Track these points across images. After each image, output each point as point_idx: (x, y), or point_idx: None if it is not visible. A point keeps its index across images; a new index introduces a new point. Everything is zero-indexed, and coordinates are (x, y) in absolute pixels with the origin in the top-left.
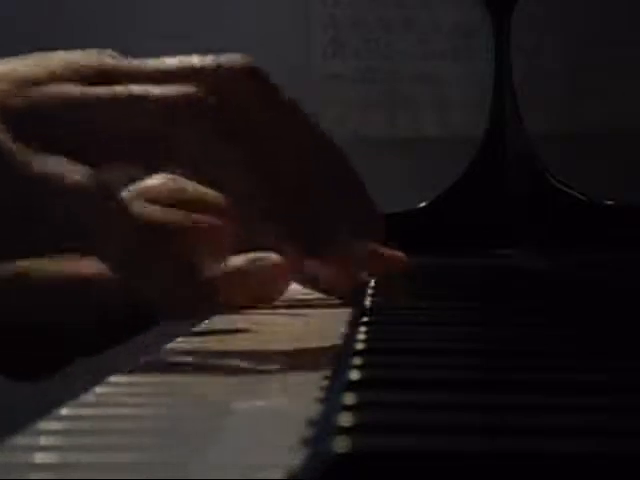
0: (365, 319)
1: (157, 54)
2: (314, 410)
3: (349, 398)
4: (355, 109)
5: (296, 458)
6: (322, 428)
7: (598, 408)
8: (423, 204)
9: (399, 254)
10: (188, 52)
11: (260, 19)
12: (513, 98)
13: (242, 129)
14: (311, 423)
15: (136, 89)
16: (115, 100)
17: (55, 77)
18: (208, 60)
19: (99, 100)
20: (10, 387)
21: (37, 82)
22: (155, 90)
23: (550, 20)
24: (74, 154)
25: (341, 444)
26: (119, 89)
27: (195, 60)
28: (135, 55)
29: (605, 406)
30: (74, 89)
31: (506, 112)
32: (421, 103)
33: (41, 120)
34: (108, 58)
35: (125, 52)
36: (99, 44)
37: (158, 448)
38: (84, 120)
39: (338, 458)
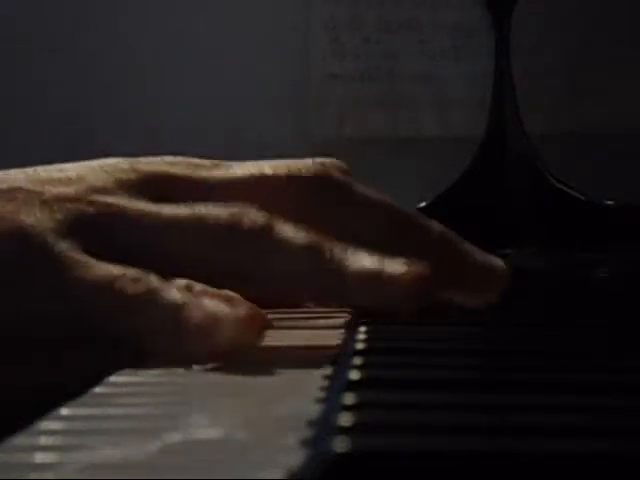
0: (365, 319)
1: (157, 52)
2: (314, 410)
3: (349, 398)
4: (355, 109)
5: (296, 458)
6: (322, 428)
7: (598, 408)
8: (423, 204)
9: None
10: (188, 51)
11: (260, 19)
12: (513, 98)
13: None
14: (311, 423)
15: (198, 211)
16: (178, 223)
17: (122, 185)
18: (280, 171)
19: (163, 222)
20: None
21: (104, 191)
22: (219, 212)
23: (550, 20)
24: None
25: (341, 444)
26: (183, 212)
27: (267, 170)
28: (136, 52)
29: (605, 406)
30: (138, 205)
31: (506, 112)
32: (421, 103)
33: (102, 233)
34: (175, 168)
35: (125, 49)
36: (99, 42)
37: (157, 449)
38: (145, 243)
39: (338, 458)
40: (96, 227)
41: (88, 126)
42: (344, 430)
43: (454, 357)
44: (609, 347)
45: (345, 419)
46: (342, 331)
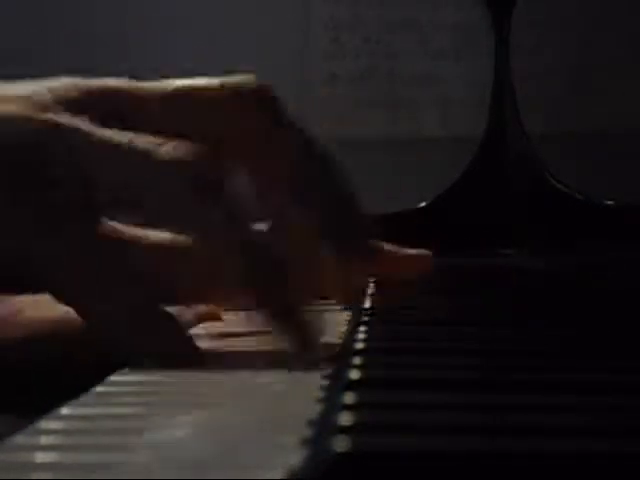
0: (365, 319)
1: (157, 53)
2: (314, 410)
3: (349, 398)
4: (355, 109)
5: (296, 458)
6: (322, 428)
7: (598, 408)
8: (423, 204)
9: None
10: (188, 51)
11: (260, 19)
12: (513, 98)
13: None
14: (311, 423)
15: (118, 138)
16: (101, 144)
17: (64, 102)
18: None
19: (89, 142)
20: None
21: (45, 109)
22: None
23: (550, 20)
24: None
25: (341, 444)
26: (123, 141)
27: (201, 82)
28: (136, 52)
29: (605, 406)
30: (75, 123)
31: (506, 112)
32: (421, 103)
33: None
34: (116, 82)
35: (125, 47)
36: (99, 44)
37: (157, 448)
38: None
39: (338, 458)
40: (36, 143)
41: None
42: (344, 430)
43: (454, 357)
44: (609, 347)
45: (345, 419)
46: (342, 331)
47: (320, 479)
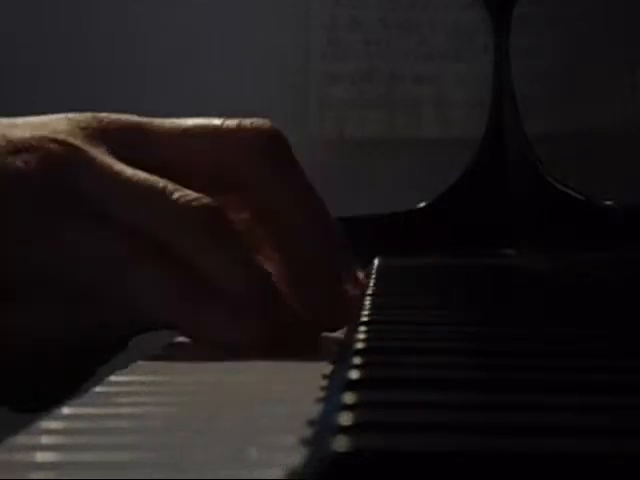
0: (365, 319)
1: (157, 53)
2: (314, 410)
3: (349, 398)
4: (355, 109)
5: (296, 458)
6: (322, 428)
7: (598, 408)
8: (423, 204)
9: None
10: (188, 51)
11: (260, 19)
12: (512, 98)
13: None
14: (311, 423)
15: (161, 186)
16: (125, 179)
17: (84, 132)
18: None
19: (111, 174)
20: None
21: (66, 134)
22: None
23: (550, 20)
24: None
25: (341, 444)
26: (129, 172)
27: (216, 122)
28: (136, 53)
29: (605, 406)
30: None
31: (506, 112)
32: (421, 103)
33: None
34: (133, 117)
35: (127, 50)
36: (96, 53)
37: (158, 448)
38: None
39: (338, 457)
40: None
41: None
42: (344, 430)
43: (454, 357)
44: (609, 347)
45: (345, 419)
46: (342, 331)
47: (320, 479)
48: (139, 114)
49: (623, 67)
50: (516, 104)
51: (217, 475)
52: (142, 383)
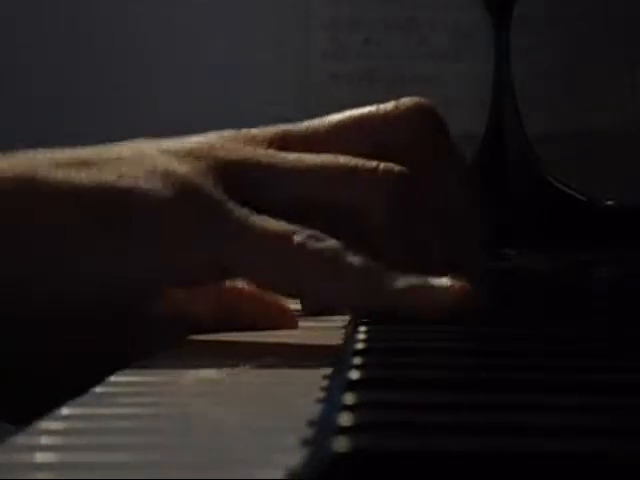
0: (365, 319)
1: (157, 53)
2: (314, 410)
3: (349, 398)
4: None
5: (296, 458)
6: (322, 428)
7: (598, 408)
8: None
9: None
10: (188, 52)
11: (260, 19)
12: (513, 98)
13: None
14: (311, 423)
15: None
16: (304, 167)
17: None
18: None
19: (289, 165)
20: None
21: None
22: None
23: (550, 20)
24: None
25: (341, 444)
26: (307, 157)
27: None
28: (136, 53)
29: (605, 406)
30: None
31: (506, 112)
32: None
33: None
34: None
35: (128, 54)
36: (96, 53)
37: (158, 448)
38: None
39: (338, 458)
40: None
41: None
42: (344, 430)
43: (454, 357)
44: (609, 347)
45: (345, 419)
46: (342, 331)
47: (320, 479)
48: (139, 114)
49: (623, 67)
50: (516, 104)
51: (217, 475)
52: (142, 383)
